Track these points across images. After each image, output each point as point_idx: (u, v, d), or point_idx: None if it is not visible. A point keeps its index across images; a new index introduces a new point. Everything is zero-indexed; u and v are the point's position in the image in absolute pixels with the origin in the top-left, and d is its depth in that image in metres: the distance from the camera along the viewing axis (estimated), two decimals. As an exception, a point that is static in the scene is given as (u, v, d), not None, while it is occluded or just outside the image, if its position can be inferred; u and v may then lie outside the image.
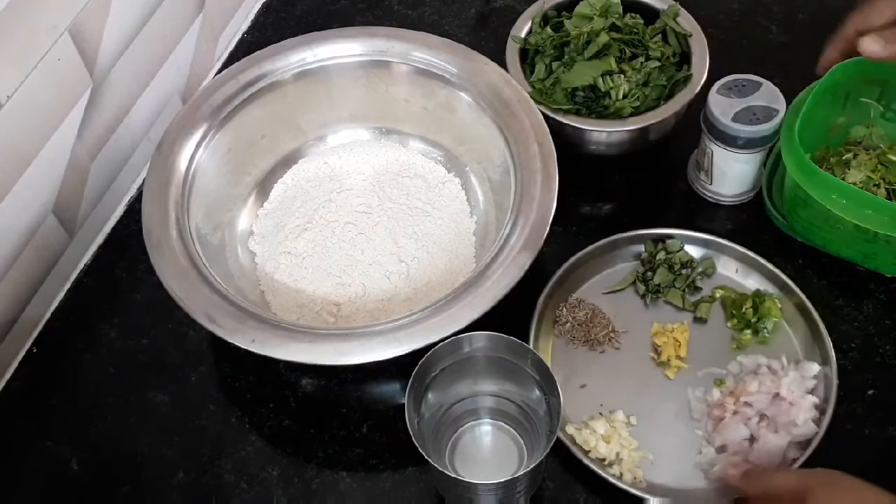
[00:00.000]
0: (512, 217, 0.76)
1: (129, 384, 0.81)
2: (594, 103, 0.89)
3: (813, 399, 0.75)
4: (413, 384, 0.66)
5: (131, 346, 0.83)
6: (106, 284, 0.87)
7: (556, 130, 0.82)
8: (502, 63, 0.88)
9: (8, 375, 0.82)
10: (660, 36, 0.92)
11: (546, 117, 0.82)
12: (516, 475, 0.64)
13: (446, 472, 0.65)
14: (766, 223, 0.87)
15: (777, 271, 0.82)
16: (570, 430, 0.75)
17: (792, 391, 0.75)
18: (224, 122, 0.84)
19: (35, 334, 0.84)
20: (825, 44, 0.82)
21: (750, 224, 0.88)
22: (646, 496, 0.71)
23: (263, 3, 1.11)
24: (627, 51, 0.90)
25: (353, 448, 0.77)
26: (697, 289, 0.83)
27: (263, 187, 0.90)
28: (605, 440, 0.74)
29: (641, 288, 0.83)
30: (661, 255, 0.84)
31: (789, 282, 0.81)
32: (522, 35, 0.93)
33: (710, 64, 0.88)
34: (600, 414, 0.76)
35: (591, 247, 0.83)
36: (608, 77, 0.88)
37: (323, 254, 0.84)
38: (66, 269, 0.89)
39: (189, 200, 0.79)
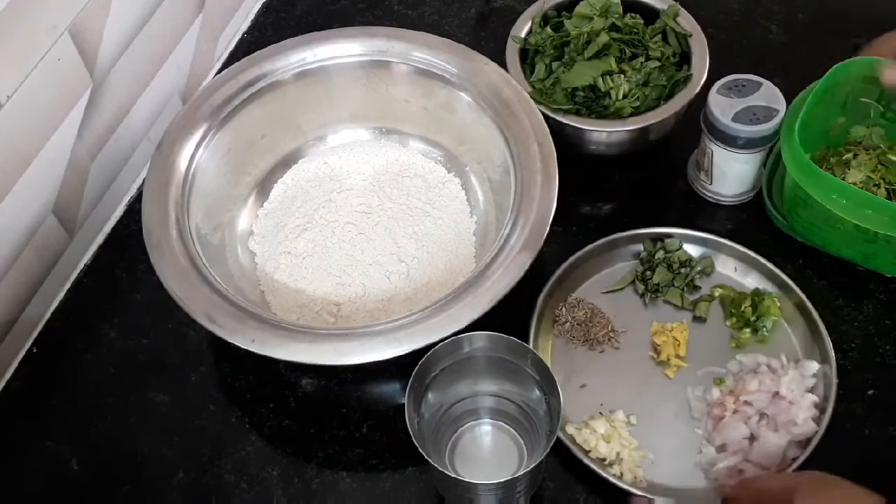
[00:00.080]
0: (512, 217, 0.76)
1: (129, 384, 0.81)
2: (594, 103, 0.89)
3: (812, 398, 0.75)
4: (413, 384, 0.66)
5: (131, 346, 0.83)
6: (106, 284, 0.87)
7: (556, 130, 0.82)
8: (502, 63, 0.88)
9: (8, 375, 0.82)
10: (660, 36, 0.92)
11: (546, 117, 0.82)
12: (516, 475, 0.64)
13: (446, 472, 0.65)
14: (766, 223, 0.87)
15: (776, 270, 0.82)
16: (571, 429, 0.75)
17: (791, 390, 0.75)
18: (224, 122, 0.84)
19: (35, 334, 0.84)
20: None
21: (750, 224, 0.88)
22: (640, 493, 0.71)
23: (263, 3, 1.11)
24: (627, 51, 0.90)
25: (353, 448, 0.77)
26: (696, 288, 0.84)
27: (263, 187, 0.90)
28: (605, 440, 0.74)
29: (640, 287, 0.83)
30: (660, 255, 0.84)
31: (788, 280, 0.81)
32: (522, 35, 0.93)
33: (710, 64, 0.88)
34: (600, 413, 0.76)
35: (590, 246, 0.83)
36: (608, 77, 0.88)
37: (323, 254, 0.84)
38: (66, 269, 0.89)
39: (189, 200, 0.79)
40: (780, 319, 0.81)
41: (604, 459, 0.74)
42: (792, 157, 0.79)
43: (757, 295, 0.81)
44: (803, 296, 0.80)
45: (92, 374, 0.82)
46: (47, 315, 0.86)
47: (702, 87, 0.87)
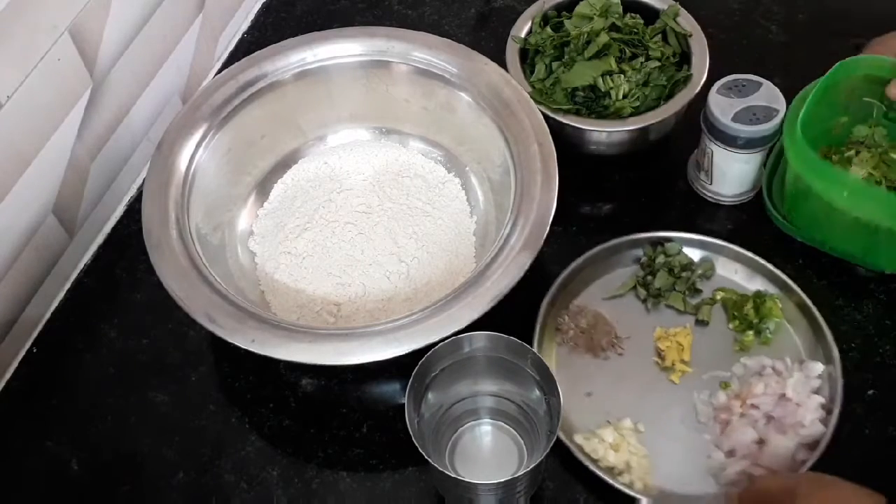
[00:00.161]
0: (512, 217, 0.76)
1: (129, 384, 0.81)
2: (594, 103, 0.89)
3: (819, 399, 0.75)
4: (413, 384, 0.66)
5: (131, 346, 0.83)
6: (106, 284, 0.87)
7: (556, 130, 0.82)
8: (502, 63, 0.88)
9: (8, 375, 0.82)
10: (660, 36, 0.92)
11: (546, 117, 0.82)
12: (516, 475, 0.64)
13: (446, 472, 0.65)
14: (766, 223, 0.87)
15: (776, 271, 0.82)
16: (579, 439, 0.74)
17: (797, 392, 0.74)
18: (224, 122, 0.84)
19: (35, 334, 0.84)
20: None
21: (750, 224, 0.88)
22: (639, 496, 0.71)
23: (263, 3, 1.11)
24: (627, 51, 0.90)
25: (353, 448, 0.77)
26: (698, 291, 0.83)
27: (263, 187, 0.90)
28: (613, 449, 0.73)
29: (642, 292, 0.83)
30: (661, 259, 0.83)
31: (789, 281, 0.81)
32: (522, 35, 0.93)
33: (710, 64, 0.88)
34: (608, 422, 0.76)
35: (590, 252, 0.83)
36: (608, 77, 0.88)
37: (323, 254, 0.84)
38: (66, 269, 0.89)
39: (189, 200, 0.79)
40: (783, 321, 0.81)
41: (613, 468, 0.73)
42: (794, 150, 0.78)
43: (759, 297, 0.81)
44: (805, 296, 0.80)
45: (92, 374, 0.82)
46: (47, 315, 0.86)
47: (702, 87, 0.87)
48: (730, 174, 0.87)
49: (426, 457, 0.64)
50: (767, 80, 0.84)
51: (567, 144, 0.84)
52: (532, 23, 0.94)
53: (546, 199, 0.76)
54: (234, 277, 0.81)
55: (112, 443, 0.78)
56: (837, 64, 0.80)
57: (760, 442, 0.74)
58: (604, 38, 0.89)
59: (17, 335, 0.84)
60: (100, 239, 0.91)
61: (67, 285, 0.88)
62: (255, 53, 0.87)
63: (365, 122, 0.92)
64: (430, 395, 0.70)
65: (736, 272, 0.84)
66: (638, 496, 0.71)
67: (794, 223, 0.85)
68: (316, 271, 0.83)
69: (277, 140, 0.90)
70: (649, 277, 0.83)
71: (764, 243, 0.85)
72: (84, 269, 0.88)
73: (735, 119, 0.82)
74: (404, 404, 0.65)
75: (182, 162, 0.81)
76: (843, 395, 0.75)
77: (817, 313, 0.79)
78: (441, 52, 0.86)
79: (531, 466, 0.64)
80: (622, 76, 0.88)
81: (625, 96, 0.88)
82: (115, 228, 0.91)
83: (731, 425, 0.74)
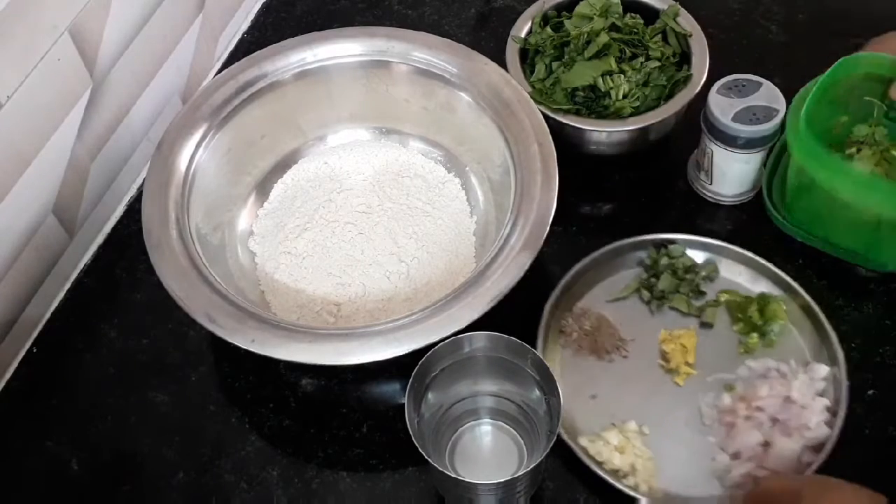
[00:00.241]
0: (512, 217, 0.76)
1: (129, 384, 0.81)
2: (594, 103, 0.89)
3: (824, 401, 0.74)
4: (413, 384, 0.66)
5: (131, 346, 0.83)
6: (106, 284, 0.87)
7: (556, 130, 0.82)
8: (502, 63, 0.88)
9: (8, 375, 0.82)
10: (660, 36, 0.92)
11: (546, 117, 0.82)
12: (516, 475, 0.64)
13: (446, 472, 0.65)
14: (766, 223, 0.87)
15: (780, 273, 0.81)
16: (584, 441, 0.74)
17: (802, 394, 0.74)
18: (224, 122, 0.84)
19: (35, 334, 0.84)
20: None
21: (750, 224, 0.88)
22: (638, 496, 0.71)
23: (263, 3, 1.11)
24: (627, 51, 0.90)
25: (353, 448, 0.77)
26: (701, 293, 0.83)
27: (263, 187, 0.90)
28: (618, 451, 0.73)
29: (646, 295, 0.82)
30: (665, 261, 0.83)
31: (793, 283, 0.81)
32: (522, 35, 0.93)
33: (710, 64, 0.88)
34: (612, 424, 0.75)
35: (594, 254, 0.83)
36: (608, 77, 0.88)
37: (323, 254, 0.84)
38: (66, 269, 0.89)
39: (189, 200, 0.79)
40: (787, 323, 0.80)
41: (618, 471, 0.73)
42: (799, 143, 0.78)
43: (763, 299, 0.81)
44: (809, 298, 0.80)
45: (92, 374, 0.82)
46: (47, 315, 0.86)
47: (702, 87, 0.87)
48: (730, 174, 0.87)
49: (426, 457, 0.64)
50: (767, 80, 0.84)
51: (567, 144, 0.84)
52: (532, 23, 0.94)
53: (546, 199, 0.76)
54: (234, 277, 0.81)
55: (112, 443, 0.78)
56: (839, 61, 0.80)
57: (766, 444, 0.73)
58: (604, 38, 0.89)
59: (17, 335, 0.84)
60: (100, 239, 0.91)
61: (67, 285, 0.88)
62: (255, 53, 0.87)
63: (365, 122, 0.92)
64: (430, 395, 0.70)
65: (740, 274, 0.84)
66: (638, 496, 0.71)
67: (796, 220, 0.85)
68: (316, 271, 0.83)
69: (277, 140, 0.90)
70: (653, 279, 0.83)
71: (764, 243, 0.85)
72: (84, 269, 0.88)
73: (735, 119, 0.82)
74: (404, 404, 0.65)
75: (182, 162, 0.81)
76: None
77: (822, 315, 0.79)
78: (441, 52, 0.86)
79: (531, 466, 0.64)
80: (622, 76, 0.88)
81: (625, 96, 0.88)
82: (115, 228, 0.91)
83: (736, 428, 0.74)
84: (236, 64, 0.87)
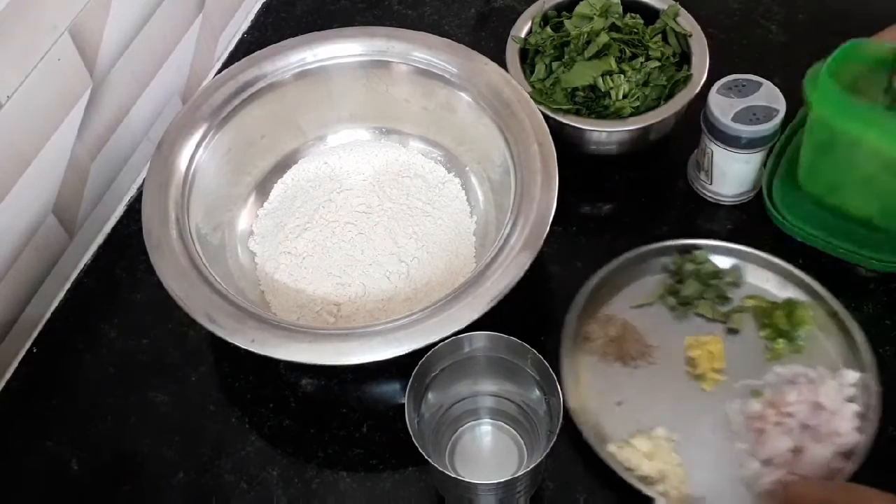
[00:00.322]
0: (512, 217, 0.76)
1: (129, 384, 0.81)
2: (594, 103, 0.89)
3: (854, 407, 0.73)
4: (413, 384, 0.66)
5: (131, 346, 0.83)
6: (106, 284, 0.87)
7: (556, 130, 0.82)
8: (502, 63, 0.88)
9: (8, 375, 0.82)
10: (660, 36, 0.92)
11: (546, 117, 0.82)
12: (516, 475, 0.64)
13: (446, 472, 0.65)
14: (767, 223, 0.87)
15: (807, 278, 0.81)
16: (612, 448, 0.73)
17: (832, 400, 0.73)
18: (224, 122, 0.84)
19: (35, 334, 0.84)
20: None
21: (750, 224, 0.88)
22: (655, 496, 0.70)
23: (263, 3, 1.11)
24: (627, 51, 0.90)
25: (353, 448, 0.77)
26: (727, 299, 0.82)
27: (263, 187, 0.90)
28: (648, 458, 0.73)
29: (671, 301, 0.82)
30: (689, 267, 0.82)
31: (819, 289, 0.80)
32: (522, 35, 0.93)
33: (710, 64, 0.88)
34: (640, 431, 0.75)
35: (617, 260, 0.82)
36: (608, 77, 0.88)
37: (323, 254, 0.84)
38: (66, 269, 0.89)
39: (189, 200, 0.79)
40: (815, 328, 0.79)
41: (647, 477, 0.72)
42: (822, 95, 0.76)
43: (789, 305, 0.80)
44: (837, 304, 0.79)
45: (92, 374, 0.82)
46: (47, 315, 0.86)
47: (702, 87, 0.87)
48: (730, 174, 0.87)
49: (426, 457, 0.64)
50: (767, 80, 0.84)
51: (567, 144, 0.84)
52: (532, 23, 0.94)
53: (546, 199, 0.76)
54: (234, 277, 0.81)
55: (112, 443, 0.78)
56: (847, 42, 0.78)
57: (796, 450, 0.72)
58: (604, 38, 0.89)
59: (17, 335, 0.84)
60: (100, 239, 0.91)
61: (67, 285, 0.88)
62: (255, 53, 0.87)
63: (365, 122, 0.92)
64: (430, 395, 0.70)
65: (766, 280, 0.83)
66: (654, 496, 0.70)
67: (811, 191, 0.83)
68: (316, 271, 0.83)
69: (277, 140, 0.90)
70: (678, 285, 0.82)
71: (764, 243, 0.85)
72: (84, 269, 0.88)
73: (735, 119, 0.82)
74: (404, 404, 0.65)
75: (182, 162, 0.81)
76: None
77: (849, 321, 0.78)
78: (441, 52, 0.86)
79: (531, 466, 0.64)
80: (622, 76, 0.88)
81: (625, 96, 0.88)
82: (115, 228, 0.91)
83: (766, 434, 0.73)
84: (236, 64, 0.87)
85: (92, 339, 0.84)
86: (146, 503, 0.75)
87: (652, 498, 0.70)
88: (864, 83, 0.82)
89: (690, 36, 0.91)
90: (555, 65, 0.91)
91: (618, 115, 0.87)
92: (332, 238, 0.85)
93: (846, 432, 0.72)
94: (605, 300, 0.82)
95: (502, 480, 0.64)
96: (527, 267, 0.72)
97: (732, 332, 0.80)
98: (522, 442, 0.73)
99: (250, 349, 0.70)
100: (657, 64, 0.89)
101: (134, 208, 0.92)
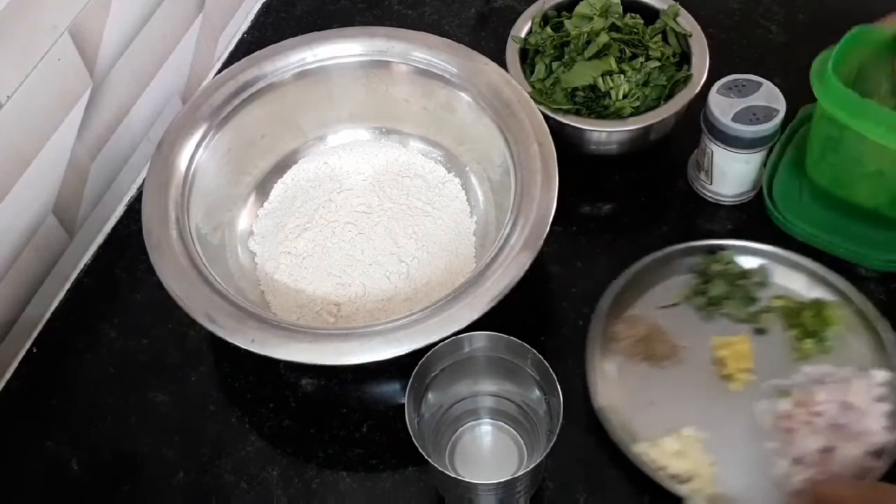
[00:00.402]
0: (512, 217, 0.76)
1: (129, 384, 0.81)
2: (594, 103, 0.89)
3: (884, 406, 0.73)
4: (413, 384, 0.66)
5: (131, 346, 0.83)
6: (106, 284, 0.87)
7: (556, 130, 0.82)
8: (502, 63, 0.88)
9: (8, 375, 0.82)
10: (660, 36, 0.92)
11: (546, 117, 0.82)
12: (516, 475, 0.64)
13: (446, 472, 0.65)
14: (767, 223, 0.87)
15: (835, 278, 0.80)
16: (643, 446, 0.73)
17: (861, 399, 0.73)
18: (224, 122, 0.84)
19: (35, 334, 0.84)
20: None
21: (750, 224, 0.88)
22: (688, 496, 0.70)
23: (263, 3, 1.11)
24: (627, 51, 0.90)
25: (353, 448, 0.77)
26: (753, 300, 0.82)
27: (263, 187, 0.90)
28: (678, 457, 0.73)
29: (699, 301, 0.81)
30: (717, 267, 0.82)
31: (847, 289, 0.80)
32: (522, 35, 0.93)
33: (710, 64, 0.88)
34: (670, 431, 0.74)
35: (643, 261, 0.82)
36: (608, 77, 0.88)
37: (323, 254, 0.84)
38: (66, 269, 0.89)
39: (189, 200, 0.79)
40: (843, 328, 0.79)
41: (677, 476, 0.72)
42: (829, 93, 0.76)
43: (817, 305, 0.80)
44: (866, 304, 0.79)
45: (92, 374, 0.82)
46: (47, 315, 0.86)
47: (702, 87, 0.87)
48: (730, 174, 0.87)
49: (426, 457, 0.64)
50: (767, 80, 0.84)
51: (567, 144, 0.84)
52: (532, 23, 0.94)
53: (546, 199, 0.76)
54: (234, 277, 0.81)
55: (112, 443, 0.78)
56: (854, 29, 0.78)
57: (826, 450, 0.72)
58: (604, 38, 0.89)
59: (17, 335, 0.84)
60: (100, 239, 0.91)
61: (67, 285, 0.88)
62: (255, 53, 0.87)
63: (365, 122, 0.92)
64: (430, 395, 0.70)
65: (793, 280, 0.83)
66: (688, 496, 0.70)
67: (817, 183, 0.83)
68: (316, 271, 0.83)
69: (277, 140, 0.90)
70: (705, 286, 0.82)
71: (764, 243, 0.85)
72: (84, 269, 0.88)
73: (735, 119, 0.82)
74: (404, 404, 0.65)
75: (182, 162, 0.81)
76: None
77: (878, 320, 0.78)
78: (441, 52, 0.86)
79: (531, 466, 0.64)
80: (622, 76, 0.88)
81: (625, 96, 0.88)
82: (115, 228, 0.91)
83: (796, 433, 0.73)
84: (236, 64, 0.87)
85: (92, 339, 0.84)
86: (146, 503, 0.75)
87: (684, 497, 0.70)
88: (871, 67, 0.82)
89: (690, 36, 0.91)
90: (555, 65, 0.91)
91: (618, 115, 0.87)
92: (332, 238, 0.85)
93: (876, 431, 0.72)
94: (631, 301, 0.82)
95: (502, 480, 0.64)
96: (527, 267, 0.72)
97: (760, 332, 0.80)
98: (522, 442, 0.73)
99: (250, 349, 0.70)
100: (657, 64, 0.89)
101: (134, 208, 0.92)
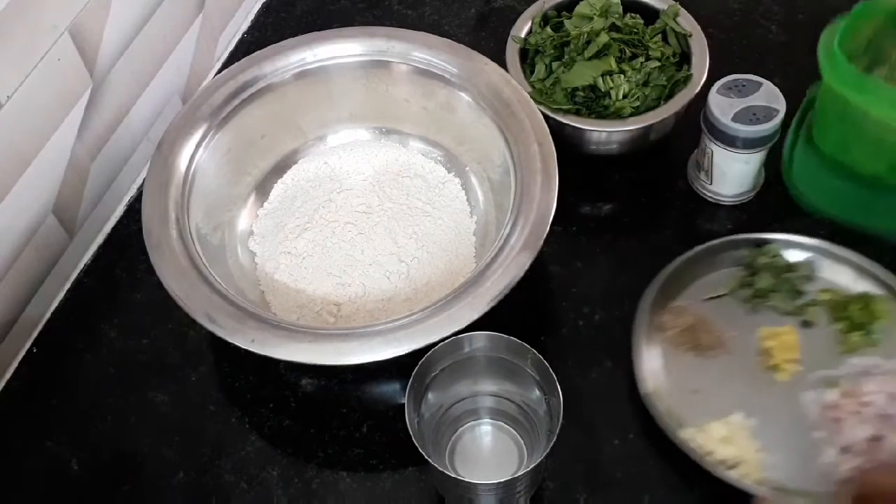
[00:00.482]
0: (512, 217, 0.76)
1: (129, 384, 0.81)
2: (594, 103, 0.89)
3: None
4: (413, 384, 0.66)
5: (131, 346, 0.83)
6: (106, 284, 0.87)
7: (556, 130, 0.82)
8: (502, 63, 0.88)
9: (8, 375, 0.82)
10: (660, 36, 0.92)
11: (546, 117, 0.82)
12: (516, 475, 0.64)
13: (446, 472, 0.65)
14: (767, 223, 0.87)
15: (882, 272, 0.80)
16: (689, 432, 0.73)
17: None
18: (224, 122, 0.84)
19: (35, 334, 0.84)
20: None
21: (750, 224, 0.88)
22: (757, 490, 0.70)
23: (263, 3, 1.11)
24: (627, 51, 0.90)
25: (353, 448, 0.77)
26: (800, 293, 0.82)
27: (263, 187, 0.90)
28: (725, 443, 0.73)
29: (745, 293, 0.82)
30: (763, 260, 0.82)
31: (894, 282, 0.80)
32: (522, 35, 0.93)
33: (710, 64, 0.88)
34: (717, 418, 0.75)
35: (689, 253, 0.82)
36: (608, 77, 0.88)
37: (323, 254, 0.84)
38: (66, 269, 0.89)
39: (189, 200, 0.79)
40: (890, 322, 0.79)
41: (724, 461, 0.72)
42: (836, 71, 0.77)
43: (865, 298, 0.80)
44: None
45: (92, 374, 0.82)
46: (47, 315, 0.86)
47: (702, 87, 0.87)
48: (730, 174, 0.87)
49: (426, 457, 0.64)
50: (767, 80, 0.84)
51: (567, 144, 0.84)
52: (532, 23, 0.94)
53: (546, 199, 0.76)
54: (234, 277, 0.81)
55: (112, 443, 0.78)
56: (860, 4, 0.79)
57: (874, 439, 0.72)
58: (604, 38, 0.89)
59: (17, 335, 0.84)
60: (100, 239, 0.91)
61: (67, 285, 0.88)
62: (255, 53, 0.87)
63: (365, 122, 0.92)
64: (430, 395, 0.70)
65: (839, 273, 0.83)
66: (757, 491, 0.70)
67: (823, 150, 0.84)
68: (316, 271, 0.83)
69: (277, 140, 0.90)
70: (751, 278, 0.82)
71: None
72: (84, 269, 0.88)
73: (735, 119, 0.82)
74: (404, 404, 0.65)
75: (182, 162, 0.81)
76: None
77: None
78: (441, 52, 0.86)
79: (531, 466, 0.64)
80: (622, 76, 0.88)
81: (625, 96, 0.88)
82: (115, 228, 0.91)
83: (843, 423, 0.73)
84: (236, 64, 0.87)
85: (92, 339, 0.84)
86: (146, 503, 0.75)
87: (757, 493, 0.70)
88: (882, 36, 0.83)
89: (690, 36, 0.91)
90: (555, 65, 0.91)
91: (618, 115, 0.87)
92: (332, 238, 0.85)
93: None
94: (677, 292, 0.82)
95: (502, 480, 0.64)
96: (527, 267, 0.72)
97: (806, 324, 0.80)
98: (522, 442, 0.73)
99: (250, 349, 0.70)
100: (657, 64, 0.89)
101: (134, 208, 0.92)
